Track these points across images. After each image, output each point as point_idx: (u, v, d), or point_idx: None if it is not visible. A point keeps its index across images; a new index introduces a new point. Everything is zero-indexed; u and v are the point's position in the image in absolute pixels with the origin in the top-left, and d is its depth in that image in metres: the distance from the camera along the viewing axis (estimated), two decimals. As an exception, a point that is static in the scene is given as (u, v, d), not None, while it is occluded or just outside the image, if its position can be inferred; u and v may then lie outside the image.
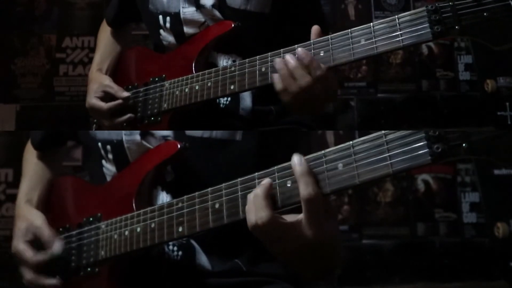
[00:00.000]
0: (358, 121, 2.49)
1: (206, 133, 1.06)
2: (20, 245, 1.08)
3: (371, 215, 2.41)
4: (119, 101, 1.22)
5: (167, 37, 1.25)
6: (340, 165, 0.78)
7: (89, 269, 1.02)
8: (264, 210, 0.78)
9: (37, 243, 1.08)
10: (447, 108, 2.51)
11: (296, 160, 0.79)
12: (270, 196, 0.80)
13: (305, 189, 0.76)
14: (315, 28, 1.01)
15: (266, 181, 0.81)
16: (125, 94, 1.22)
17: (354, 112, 2.50)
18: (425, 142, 0.73)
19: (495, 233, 2.32)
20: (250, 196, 0.81)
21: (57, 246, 1.06)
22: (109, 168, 1.10)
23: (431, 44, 2.56)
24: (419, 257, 2.37)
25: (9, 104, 2.47)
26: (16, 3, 2.55)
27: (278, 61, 1.01)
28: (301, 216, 0.78)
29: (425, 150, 0.73)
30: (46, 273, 1.06)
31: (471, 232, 2.39)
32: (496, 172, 2.40)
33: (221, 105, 1.20)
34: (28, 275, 1.06)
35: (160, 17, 1.24)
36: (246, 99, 1.20)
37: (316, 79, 0.97)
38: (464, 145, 0.72)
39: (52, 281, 1.05)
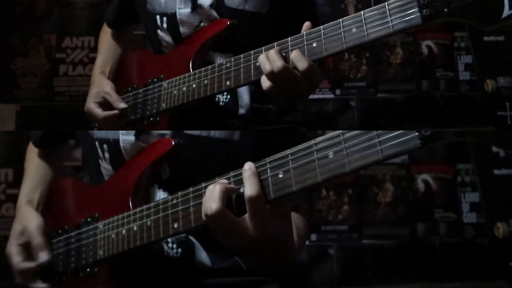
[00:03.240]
0: (358, 121, 2.49)
1: (204, 132, 1.06)
2: (12, 248, 1.09)
3: (371, 215, 2.41)
4: (115, 111, 1.22)
5: (165, 37, 1.25)
6: (330, 154, 0.78)
7: (88, 269, 1.03)
8: (216, 202, 0.81)
9: (28, 248, 1.09)
10: (447, 108, 2.51)
11: (246, 164, 0.84)
12: (227, 193, 0.83)
13: (249, 189, 0.81)
14: (306, 25, 1.02)
15: (224, 181, 0.86)
16: (122, 105, 1.22)
17: (354, 112, 2.50)
18: (415, 131, 0.74)
19: (495, 233, 2.32)
20: (210, 187, 0.84)
21: (43, 256, 1.07)
22: (106, 168, 1.11)
23: (431, 44, 2.56)
24: (419, 257, 2.37)
25: (9, 104, 2.47)
26: (16, 3, 2.55)
27: (261, 56, 1.01)
28: (245, 216, 0.82)
29: (414, 134, 0.73)
30: (39, 277, 1.07)
31: (471, 232, 2.38)
32: (496, 172, 2.40)
33: (221, 103, 1.20)
34: (16, 278, 1.08)
35: (158, 17, 1.24)
36: (244, 97, 1.20)
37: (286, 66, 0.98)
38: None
39: (39, 285, 1.06)
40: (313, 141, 0.80)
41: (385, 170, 2.42)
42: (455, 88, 2.54)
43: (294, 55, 0.98)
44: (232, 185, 0.85)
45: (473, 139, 0.72)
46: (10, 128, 2.43)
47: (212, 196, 0.82)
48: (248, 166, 0.84)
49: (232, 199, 0.84)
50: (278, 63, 0.98)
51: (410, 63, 2.56)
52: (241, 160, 1.06)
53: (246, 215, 0.82)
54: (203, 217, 0.84)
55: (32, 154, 1.29)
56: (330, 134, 0.79)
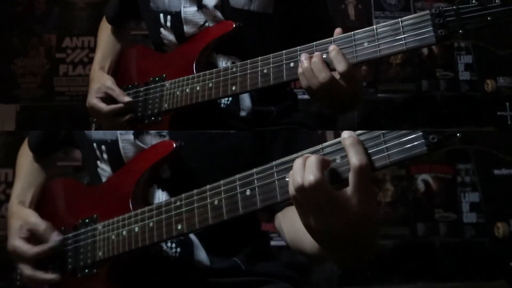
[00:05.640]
0: (358, 121, 2.49)
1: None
2: (16, 242, 1.08)
3: (371, 215, 2.40)
4: (120, 104, 1.21)
5: (168, 36, 1.24)
6: (338, 158, 0.78)
7: (86, 270, 1.03)
8: (315, 172, 0.72)
9: (33, 239, 1.08)
10: (447, 108, 2.51)
11: (346, 132, 0.76)
12: (324, 164, 0.75)
13: (357, 158, 0.72)
14: (337, 31, 0.99)
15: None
16: (127, 99, 1.21)
17: (354, 112, 2.50)
18: (421, 133, 0.73)
19: (495, 233, 2.32)
20: (299, 160, 0.76)
21: (54, 237, 1.06)
22: (104, 169, 1.10)
23: (431, 44, 2.56)
24: (419, 257, 2.37)
25: (9, 104, 2.47)
26: (16, 3, 2.55)
27: (303, 55, 0.99)
28: (346, 189, 0.74)
29: (421, 141, 0.73)
30: (44, 268, 1.06)
31: (471, 232, 2.38)
32: (496, 172, 2.40)
33: (222, 105, 1.20)
34: (26, 270, 1.06)
35: (161, 15, 1.24)
36: (246, 99, 1.20)
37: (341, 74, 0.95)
38: (458, 134, 0.72)
39: (51, 275, 1.05)
40: (320, 146, 0.80)
41: (385, 170, 2.42)
42: (455, 88, 2.54)
43: (334, 55, 0.95)
44: (326, 158, 0.77)
45: (476, 146, 0.72)
46: (10, 128, 2.43)
47: (308, 167, 0.73)
48: (349, 134, 0.75)
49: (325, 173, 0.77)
50: (324, 74, 0.95)
51: (410, 63, 2.56)
52: (240, 151, 1.06)
53: (348, 188, 0.73)
54: (292, 192, 0.75)
55: (25, 156, 1.29)
56: (338, 139, 0.78)
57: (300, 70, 0.98)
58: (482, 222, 2.38)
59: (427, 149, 0.73)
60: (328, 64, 0.96)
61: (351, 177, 0.73)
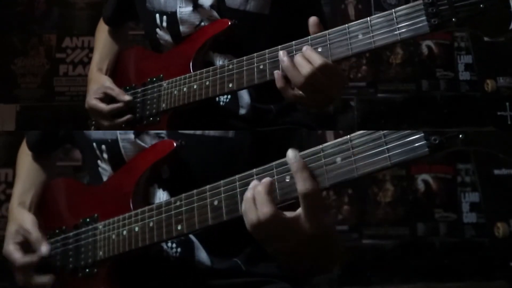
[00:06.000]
0: (358, 121, 2.49)
1: (198, 130, 1.06)
2: (10, 247, 1.08)
3: (371, 215, 2.41)
4: (120, 104, 1.21)
5: (164, 36, 1.25)
6: (338, 159, 0.78)
7: (87, 270, 1.03)
8: (267, 205, 0.79)
9: (27, 245, 1.08)
10: (447, 108, 2.51)
11: (291, 155, 0.80)
12: (272, 192, 0.81)
13: (302, 185, 0.78)
14: (312, 19, 1.00)
15: (267, 179, 0.82)
16: (127, 97, 1.21)
17: (354, 112, 2.50)
18: (423, 135, 0.74)
19: (495, 233, 2.33)
20: (247, 195, 0.81)
21: (43, 249, 1.06)
22: (104, 168, 1.10)
23: (431, 44, 2.56)
24: (419, 257, 2.37)
25: (9, 104, 2.47)
26: (16, 3, 2.55)
27: (281, 53, 1.01)
28: (299, 211, 0.79)
29: (423, 142, 0.74)
30: (39, 272, 1.06)
31: (471, 232, 2.38)
32: (496, 172, 2.40)
33: (221, 103, 1.20)
34: (17, 276, 1.07)
35: (157, 16, 1.24)
36: (245, 97, 1.20)
37: (318, 68, 0.96)
38: (460, 136, 0.73)
39: (43, 279, 1.05)
40: (320, 147, 0.81)
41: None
42: (455, 88, 2.54)
43: (308, 54, 0.97)
44: (271, 180, 0.82)
45: (478, 148, 0.73)
46: (10, 128, 2.43)
47: (259, 201, 0.80)
48: (294, 158, 0.80)
49: (276, 191, 0.82)
50: (319, 61, 0.96)
51: (410, 63, 2.56)
52: (237, 156, 1.06)
53: (299, 212, 0.79)
54: (249, 228, 0.82)
55: (25, 156, 1.29)
56: (338, 140, 0.79)
57: (285, 62, 0.99)
58: (482, 222, 2.38)
59: (428, 150, 0.74)
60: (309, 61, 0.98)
61: (301, 202, 0.78)
